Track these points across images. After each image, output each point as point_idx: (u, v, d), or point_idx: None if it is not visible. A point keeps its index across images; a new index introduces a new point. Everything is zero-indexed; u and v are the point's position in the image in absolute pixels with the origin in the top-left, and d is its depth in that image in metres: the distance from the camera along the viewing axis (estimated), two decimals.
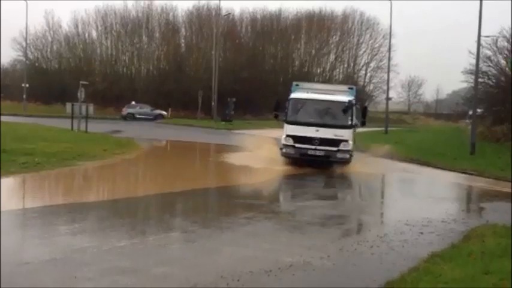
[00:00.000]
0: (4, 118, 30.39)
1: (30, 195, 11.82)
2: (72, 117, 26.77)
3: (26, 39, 52.31)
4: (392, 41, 44.02)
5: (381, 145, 22.73)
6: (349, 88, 19.90)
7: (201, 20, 56.66)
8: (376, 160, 19.79)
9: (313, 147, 17.14)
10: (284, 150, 17.53)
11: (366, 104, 39.60)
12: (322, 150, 17.13)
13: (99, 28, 56.58)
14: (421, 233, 8.87)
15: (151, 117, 45.78)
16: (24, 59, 53.69)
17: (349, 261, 7.19)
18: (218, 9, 50.87)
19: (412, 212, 10.83)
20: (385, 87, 48.13)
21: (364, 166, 17.75)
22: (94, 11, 56.00)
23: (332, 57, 61.43)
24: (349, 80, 54.52)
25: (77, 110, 26.77)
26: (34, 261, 6.44)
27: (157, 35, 57.25)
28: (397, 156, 21.43)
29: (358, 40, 62.12)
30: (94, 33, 56.97)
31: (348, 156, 17.29)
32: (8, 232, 7.94)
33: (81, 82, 28.23)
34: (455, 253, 7.28)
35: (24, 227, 8.66)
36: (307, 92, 18.90)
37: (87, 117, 26.63)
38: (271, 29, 58.82)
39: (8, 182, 12.52)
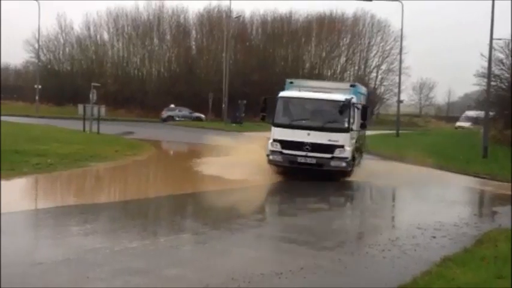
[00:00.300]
0: (17, 119, 30.78)
1: (42, 195, 11.92)
2: (84, 119, 26.99)
3: (38, 41, 52.76)
4: (404, 43, 43.72)
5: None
6: (351, 86, 17.12)
7: (212, 22, 56.80)
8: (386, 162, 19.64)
9: (303, 153, 14.90)
10: (271, 157, 15.30)
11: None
12: (314, 157, 14.88)
13: (111, 30, 57.04)
14: (434, 237, 8.82)
15: (190, 119, 46.32)
16: (36, 61, 54.10)
17: (361, 265, 7.16)
18: (229, 11, 50.92)
19: (424, 216, 10.76)
20: (396, 90, 47.90)
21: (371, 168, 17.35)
22: (106, 13, 56.47)
23: (343, 59, 61.21)
24: (360, 82, 54.18)
25: (88, 112, 26.94)
26: (47, 261, 6.49)
27: (168, 37, 57.50)
28: (410, 160, 20.94)
29: (369, 42, 61.86)
30: (106, 36, 57.45)
31: (344, 164, 14.98)
32: (21, 232, 8.02)
33: (92, 84, 28.44)
34: (468, 257, 7.24)
35: (37, 228, 8.75)
36: (299, 90, 16.44)
37: (99, 119, 26.81)
38: (281, 31, 58.76)
39: (21, 182, 12.66)
